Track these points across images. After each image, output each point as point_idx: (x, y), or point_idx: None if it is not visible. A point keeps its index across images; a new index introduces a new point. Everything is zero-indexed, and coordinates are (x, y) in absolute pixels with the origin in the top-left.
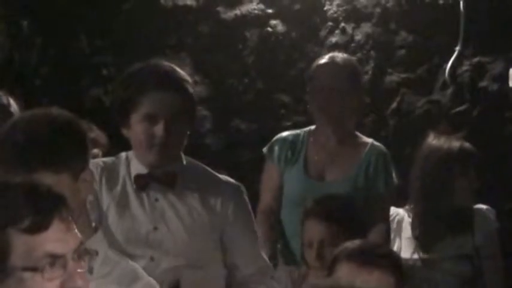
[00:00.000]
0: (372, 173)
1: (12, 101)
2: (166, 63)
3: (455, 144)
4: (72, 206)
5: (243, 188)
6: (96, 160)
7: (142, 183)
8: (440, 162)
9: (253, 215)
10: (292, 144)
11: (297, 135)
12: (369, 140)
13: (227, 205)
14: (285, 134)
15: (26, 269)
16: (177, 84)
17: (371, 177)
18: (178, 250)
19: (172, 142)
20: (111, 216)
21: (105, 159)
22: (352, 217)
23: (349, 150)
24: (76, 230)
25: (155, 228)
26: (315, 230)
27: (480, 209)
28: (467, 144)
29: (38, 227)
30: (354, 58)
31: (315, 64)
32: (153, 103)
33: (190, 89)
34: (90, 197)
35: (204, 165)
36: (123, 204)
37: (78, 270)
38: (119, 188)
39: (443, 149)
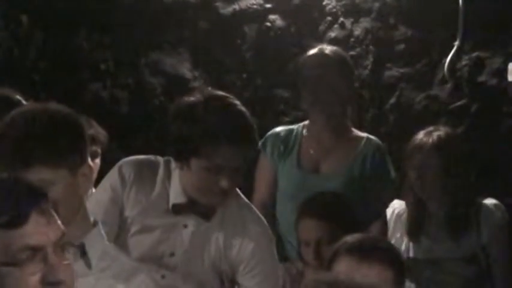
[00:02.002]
0: (369, 168)
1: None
2: (231, 100)
3: (432, 135)
4: (71, 202)
5: (271, 236)
6: (131, 159)
7: (179, 210)
8: (416, 154)
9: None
10: (285, 138)
11: (291, 130)
12: (364, 135)
13: (246, 251)
14: (278, 129)
15: (4, 264)
16: (250, 137)
17: (368, 172)
18: (189, 278)
19: (232, 189)
20: (133, 229)
21: (141, 159)
22: (347, 213)
23: (344, 144)
24: (58, 222)
25: (172, 254)
26: (311, 229)
27: (486, 205)
28: (444, 135)
29: (16, 221)
30: (341, 50)
31: (303, 57)
32: (223, 157)
33: (258, 138)
34: (113, 195)
35: (245, 203)
36: (148, 220)
37: (64, 262)
38: (149, 200)
39: (416, 141)
